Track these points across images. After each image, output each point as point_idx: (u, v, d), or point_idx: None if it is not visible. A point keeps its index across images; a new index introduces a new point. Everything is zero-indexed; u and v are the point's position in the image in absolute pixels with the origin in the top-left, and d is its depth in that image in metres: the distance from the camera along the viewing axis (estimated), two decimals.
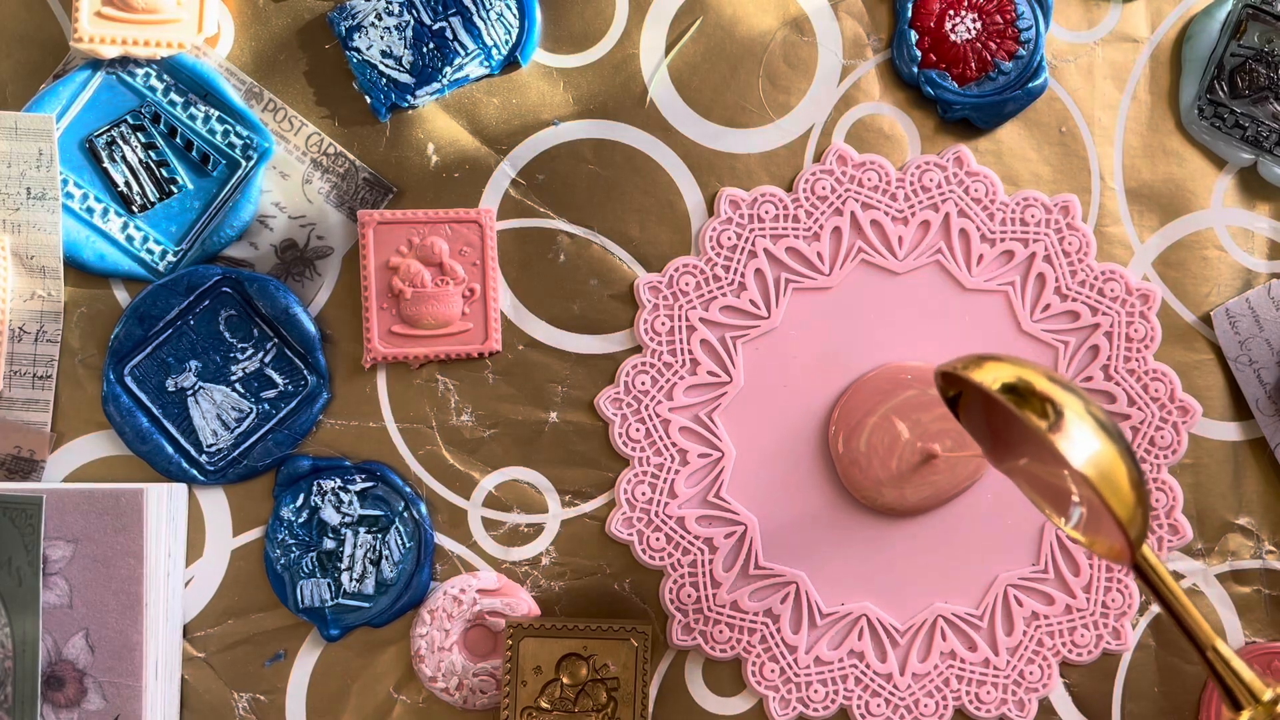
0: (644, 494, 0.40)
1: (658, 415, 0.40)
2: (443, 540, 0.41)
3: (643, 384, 0.41)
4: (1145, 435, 0.41)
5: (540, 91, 0.41)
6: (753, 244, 0.41)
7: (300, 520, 0.40)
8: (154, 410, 0.40)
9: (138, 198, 0.40)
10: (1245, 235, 0.41)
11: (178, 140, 0.40)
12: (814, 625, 0.41)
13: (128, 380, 0.40)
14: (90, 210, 0.40)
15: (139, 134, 0.40)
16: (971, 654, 0.41)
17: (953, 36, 0.41)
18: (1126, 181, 0.41)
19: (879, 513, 0.41)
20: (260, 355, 0.41)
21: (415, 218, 0.40)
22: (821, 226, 0.41)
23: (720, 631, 0.41)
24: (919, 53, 0.41)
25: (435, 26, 0.40)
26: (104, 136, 0.40)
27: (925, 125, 0.41)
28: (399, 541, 0.40)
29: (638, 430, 0.40)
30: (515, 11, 0.40)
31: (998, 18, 0.41)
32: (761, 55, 0.41)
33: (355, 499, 0.40)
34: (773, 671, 0.40)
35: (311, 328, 0.40)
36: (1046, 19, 0.41)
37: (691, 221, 0.41)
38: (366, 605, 0.40)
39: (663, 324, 0.41)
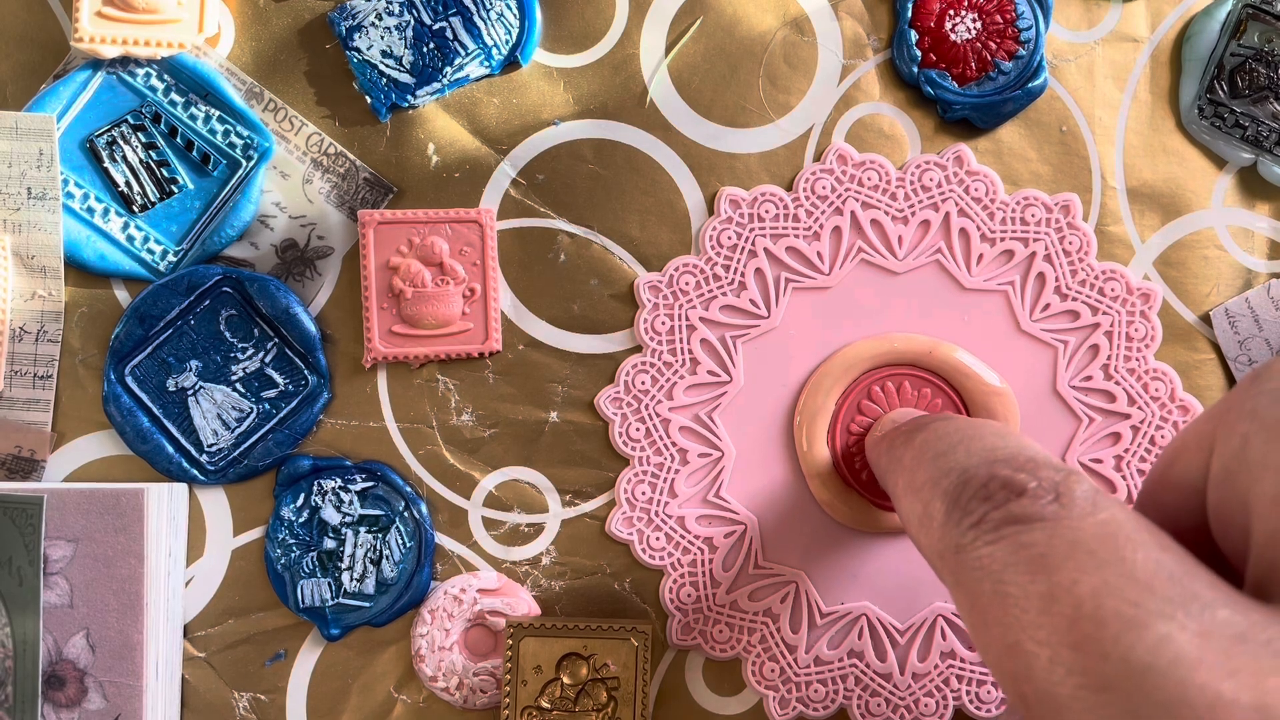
0: (644, 493, 0.40)
1: (658, 415, 0.40)
2: (443, 540, 0.41)
3: (643, 383, 0.41)
4: (1145, 435, 0.41)
5: (540, 91, 0.41)
6: (753, 243, 0.41)
7: (301, 520, 0.40)
8: (154, 410, 0.40)
9: (138, 198, 0.40)
10: (1245, 235, 0.41)
11: (178, 140, 0.40)
12: (814, 625, 0.41)
13: (128, 380, 0.40)
14: (91, 210, 0.40)
15: (139, 134, 0.40)
16: (971, 654, 0.41)
17: (953, 36, 0.41)
18: (1127, 181, 0.41)
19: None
20: (261, 355, 0.41)
21: (415, 218, 0.40)
22: (821, 226, 0.41)
23: (720, 631, 0.41)
24: (919, 53, 0.41)
25: (435, 26, 0.40)
26: (104, 136, 0.40)
27: (925, 125, 0.41)
28: (399, 541, 0.40)
29: (638, 430, 0.41)
30: (515, 11, 0.40)
31: (998, 18, 0.41)
32: (761, 55, 0.41)
33: (356, 499, 0.40)
34: (772, 671, 0.40)
35: (312, 328, 0.40)
36: (1046, 19, 0.41)
37: (691, 221, 0.41)
38: (367, 605, 0.40)
39: (663, 323, 0.41)
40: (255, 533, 0.41)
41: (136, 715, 0.38)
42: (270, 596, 0.41)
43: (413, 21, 0.40)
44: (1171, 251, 0.41)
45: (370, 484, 0.40)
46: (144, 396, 0.40)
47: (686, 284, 0.41)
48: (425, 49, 0.40)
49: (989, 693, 0.41)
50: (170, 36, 0.40)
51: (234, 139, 0.40)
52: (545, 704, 0.39)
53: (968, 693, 0.41)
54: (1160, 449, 0.41)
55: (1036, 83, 0.41)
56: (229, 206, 0.40)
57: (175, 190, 0.41)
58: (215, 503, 0.41)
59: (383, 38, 0.40)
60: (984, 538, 0.24)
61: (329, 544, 0.40)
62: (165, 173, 0.41)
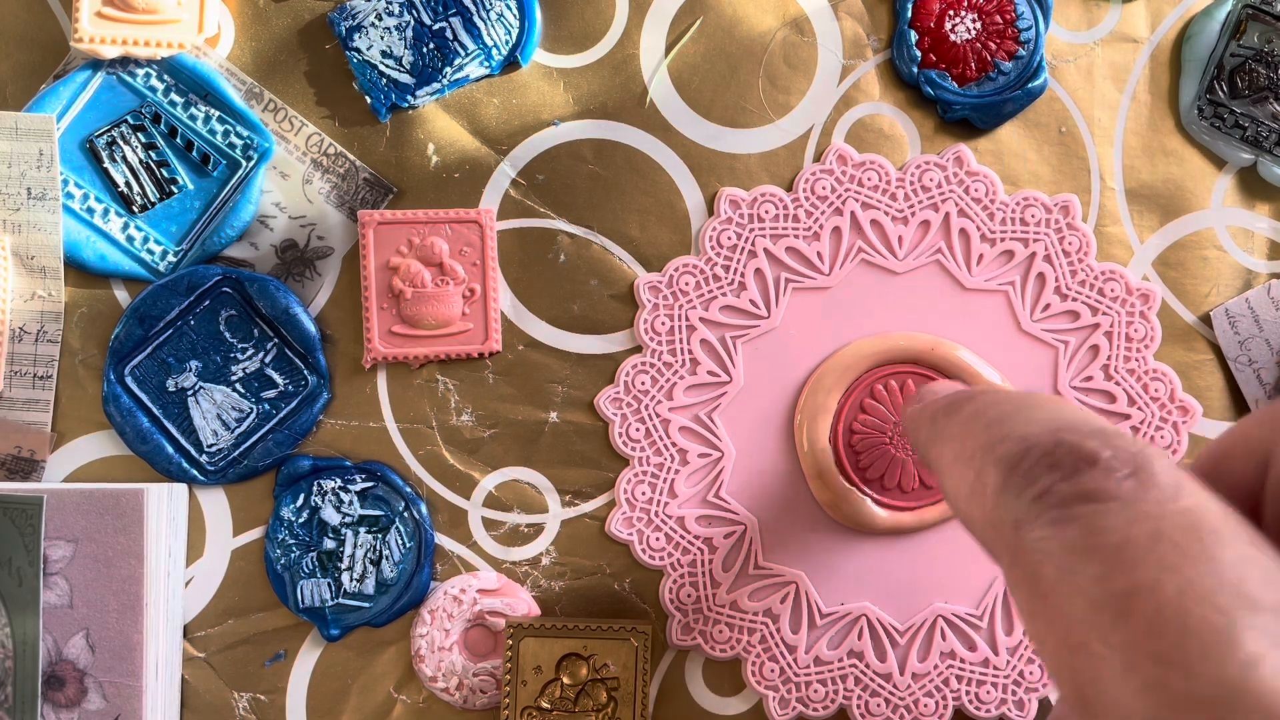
0: (644, 494, 0.40)
1: (658, 415, 0.40)
2: (443, 540, 0.41)
3: (643, 384, 0.41)
4: (1145, 435, 0.41)
5: (540, 91, 0.41)
6: (753, 244, 0.41)
7: (300, 520, 0.40)
8: (154, 410, 0.40)
9: (138, 198, 0.40)
10: (1245, 235, 0.41)
11: (178, 140, 0.40)
12: (814, 625, 0.41)
13: (128, 380, 0.40)
14: (91, 210, 0.40)
15: (139, 134, 0.40)
16: (971, 654, 0.41)
17: (953, 36, 0.41)
18: (1126, 181, 0.41)
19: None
20: (260, 355, 0.41)
21: (415, 218, 0.40)
22: (821, 226, 0.41)
23: (720, 631, 0.41)
24: (919, 53, 0.41)
25: (435, 26, 0.40)
26: (104, 137, 0.40)
27: (925, 125, 0.41)
28: (399, 541, 0.40)
29: (638, 430, 0.41)
30: (515, 11, 0.40)
31: (998, 18, 0.41)
32: (761, 55, 0.41)
33: (355, 499, 0.40)
34: (772, 671, 0.40)
35: (311, 328, 0.40)
36: (1046, 19, 0.41)
37: (691, 221, 0.41)
38: (367, 605, 0.40)
39: (663, 324, 0.41)
40: (255, 533, 0.41)
41: (136, 715, 0.38)
42: (270, 597, 0.41)
43: (413, 22, 0.40)
44: (1171, 252, 0.41)
45: (370, 484, 0.40)
46: (144, 397, 0.40)
47: (686, 284, 0.41)
48: (425, 49, 0.40)
49: (989, 693, 0.41)
50: (170, 36, 0.40)
51: (234, 139, 0.40)
52: (545, 704, 0.39)
53: (967, 693, 0.41)
54: (1160, 448, 0.41)
55: (1036, 83, 0.41)
56: (229, 207, 0.40)
57: (175, 190, 0.41)
58: (215, 503, 0.41)
59: (383, 38, 0.40)
60: (1049, 514, 0.21)
61: (329, 544, 0.40)
62: (165, 173, 0.41)
